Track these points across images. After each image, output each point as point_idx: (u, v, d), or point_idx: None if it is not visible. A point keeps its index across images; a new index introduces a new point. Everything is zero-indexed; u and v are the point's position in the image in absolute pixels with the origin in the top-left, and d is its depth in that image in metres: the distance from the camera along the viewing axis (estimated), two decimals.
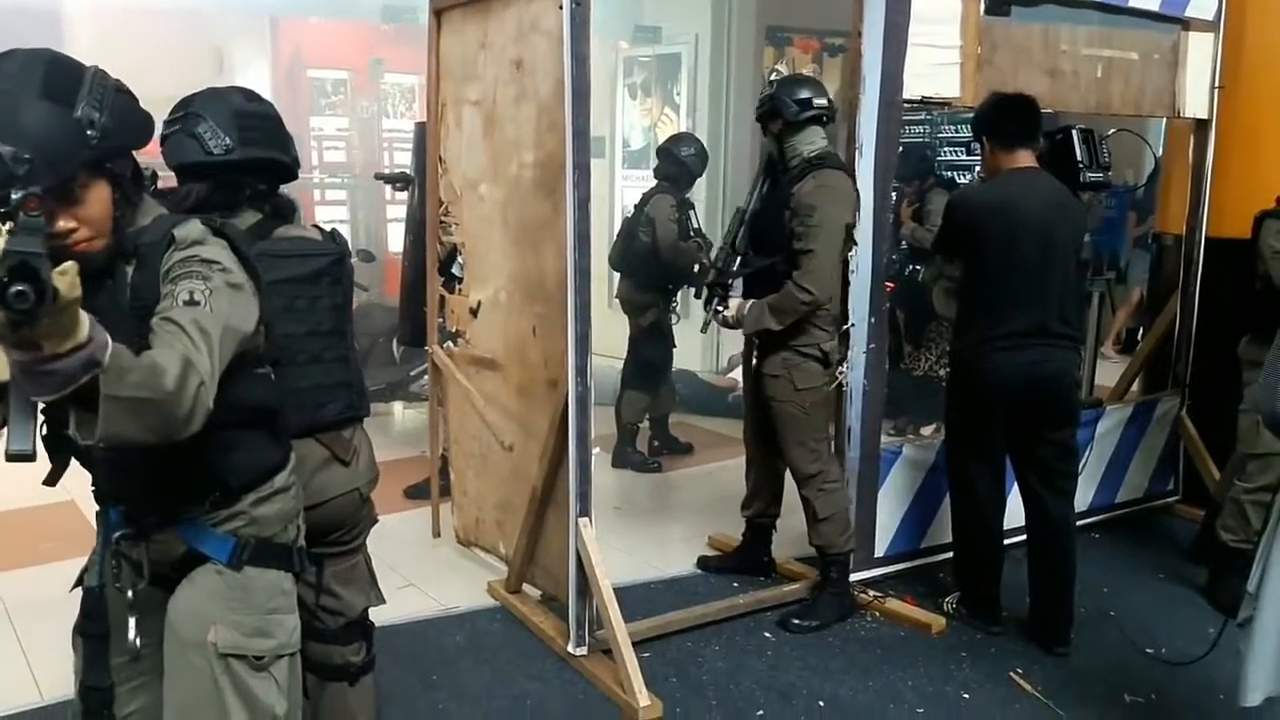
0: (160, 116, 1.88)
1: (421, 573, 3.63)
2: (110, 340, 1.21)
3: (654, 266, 4.72)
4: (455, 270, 3.73)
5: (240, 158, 1.87)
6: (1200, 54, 4.05)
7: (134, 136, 1.50)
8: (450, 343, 3.73)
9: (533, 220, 3.16)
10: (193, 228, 1.53)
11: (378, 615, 2.24)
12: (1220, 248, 4.11)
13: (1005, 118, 3.06)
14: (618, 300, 5.08)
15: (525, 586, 3.41)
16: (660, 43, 7.53)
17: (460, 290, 3.65)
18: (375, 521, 2.20)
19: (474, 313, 3.54)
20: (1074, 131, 3.19)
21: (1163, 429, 4.29)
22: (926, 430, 5.47)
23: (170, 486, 1.61)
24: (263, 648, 1.64)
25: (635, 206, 4.91)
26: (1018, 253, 2.98)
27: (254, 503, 1.66)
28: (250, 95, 1.96)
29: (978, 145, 3.23)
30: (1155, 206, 6.76)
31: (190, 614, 1.63)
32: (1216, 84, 4.09)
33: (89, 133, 1.40)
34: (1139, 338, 7.93)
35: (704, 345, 6.79)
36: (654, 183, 4.88)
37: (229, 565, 1.64)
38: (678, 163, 4.79)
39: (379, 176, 4.70)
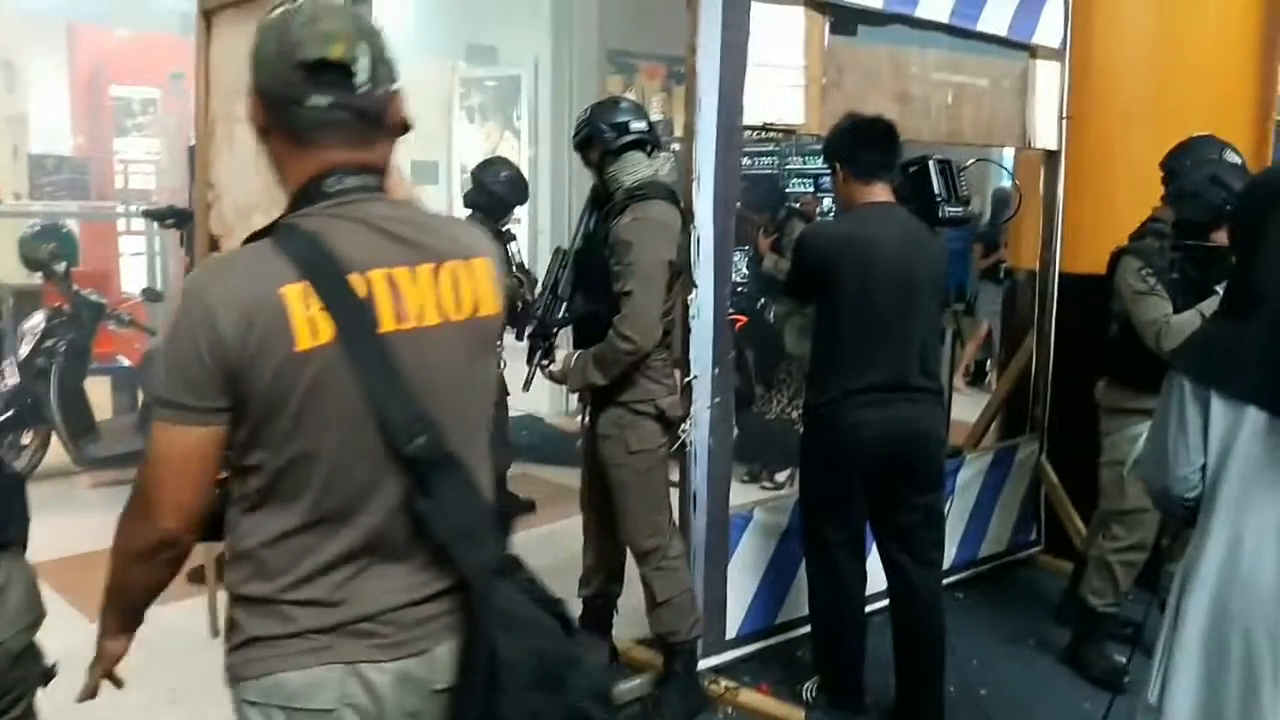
0: None
1: (193, 681, 2.99)
2: None
3: None
4: None
5: None
6: (1048, 83, 3.89)
7: None
8: None
9: None
10: None
11: None
12: (1075, 284, 3.94)
13: (863, 144, 2.74)
14: None
15: None
16: (497, 64, 7.13)
17: None
18: (51, 676, 1.62)
19: None
20: (931, 162, 2.90)
21: (1023, 476, 4.08)
22: (781, 476, 5.17)
23: None
24: None
25: None
26: (876, 296, 2.65)
27: None
28: None
29: (829, 176, 2.90)
30: (1002, 238, 6.79)
31: None
32: (1064, 114, 3.94)
33: None
34: (987, 369, 7.97)
35: (552, 384, 6.34)
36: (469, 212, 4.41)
37: None
38: (487, 191, 4.33)
39: (147, 214, 4.06)
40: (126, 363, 5.69)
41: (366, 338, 1.22)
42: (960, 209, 2.91)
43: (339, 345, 1.19)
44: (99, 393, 5.23)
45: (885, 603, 2.95)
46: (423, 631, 1.28)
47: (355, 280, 1.22)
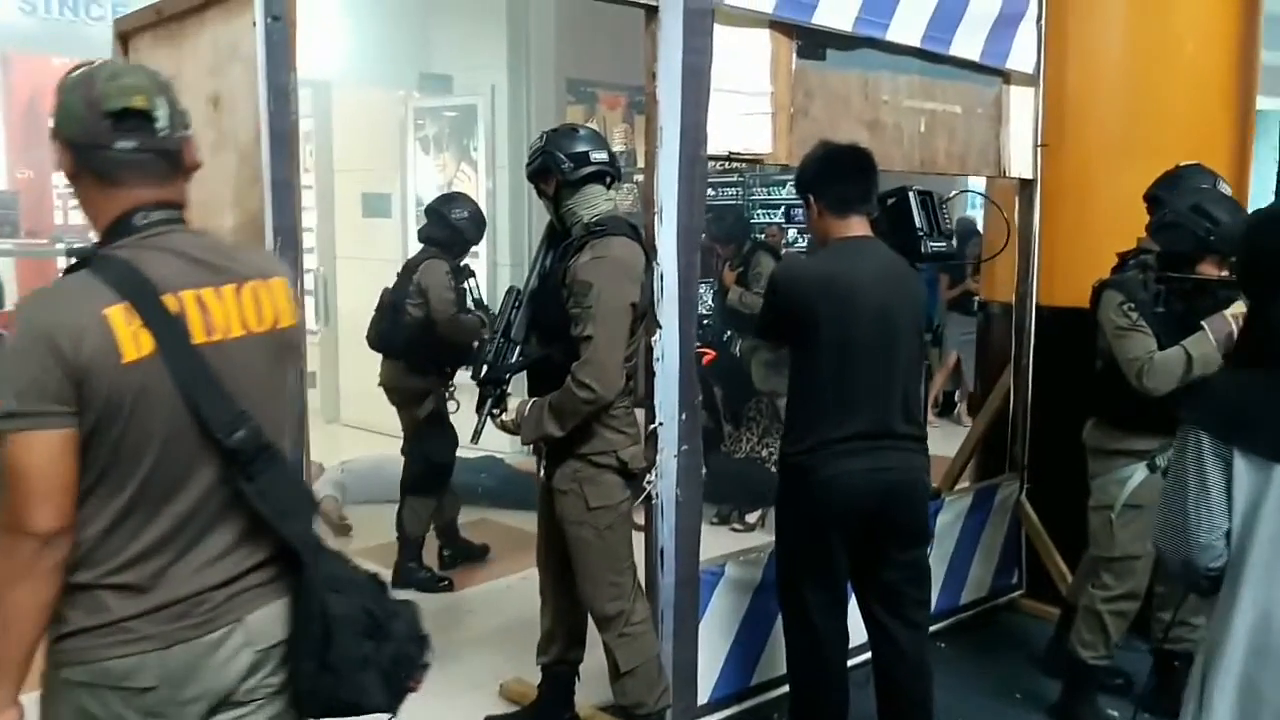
0: None
1: None
2: None
3: (427, 345, 3.99)
4: None
5: None
6: (1022, 109, 3.76)
7: None
8: None
9: None
10: None
11: None
12: (1053, 317, 3.79)
13: (837, 176, 2.56)
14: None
15: None
16: (452, 93, 6.91)
17: None
18: None
19: None
20: (911, 194, 2.72)
21: (1004, 517, 3.90)
22: (752, 517, 4.96)
23: None
24: None
25: (399, 274, 4.17)
26: (856, 338, 2.46)
27: None
28: None
29: (799, 206, 2.71)
30: (968, 268, 6.67)
31: None
32: (1039, 141, 3.80)
33: None
34: (955, 399, 7.84)
35: None
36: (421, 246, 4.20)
37: None
38: (448, 226, 4.13)
39: (71, 252, 3.79)
40: None
41: (182, 349, 1.38)
42: (944, 243, 2.73)
43: (159, 356, 1.35)
44: None
45: (867, 656, 2.75)
46: (236, 603, 1.44)
47: (168, 300, 1.38)
